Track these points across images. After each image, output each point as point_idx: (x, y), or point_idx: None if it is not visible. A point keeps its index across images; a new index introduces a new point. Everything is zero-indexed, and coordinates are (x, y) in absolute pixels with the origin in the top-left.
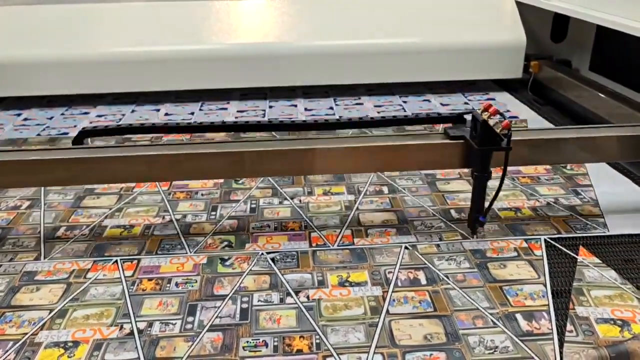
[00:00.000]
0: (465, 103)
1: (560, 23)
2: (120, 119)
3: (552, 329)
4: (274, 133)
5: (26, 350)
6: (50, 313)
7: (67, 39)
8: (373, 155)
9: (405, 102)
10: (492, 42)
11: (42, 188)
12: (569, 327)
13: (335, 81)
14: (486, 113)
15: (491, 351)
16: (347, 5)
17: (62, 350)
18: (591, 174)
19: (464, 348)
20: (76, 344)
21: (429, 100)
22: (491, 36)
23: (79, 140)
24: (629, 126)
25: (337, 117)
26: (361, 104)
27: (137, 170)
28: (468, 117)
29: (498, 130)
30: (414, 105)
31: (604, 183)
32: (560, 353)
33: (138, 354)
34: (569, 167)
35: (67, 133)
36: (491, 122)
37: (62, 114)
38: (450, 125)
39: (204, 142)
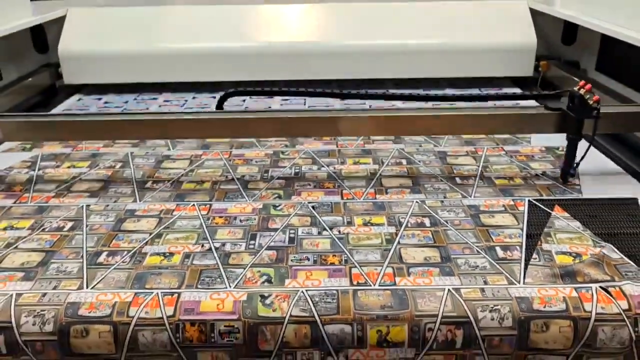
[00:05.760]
0: (479, 93)
1: (570, 28)
2: (183, 104)
3: (521, 257)
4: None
5: (137, 257)
6: (150, 235)
7: (139, 36)
8: (484, 121)
9: (426, 93)
10: (507, 44)
11: (130, 156)
12: (534, 256)
13: (368, 76)
14: (582, 90)
15: (473, 268)
16: (379, 12)
17: (162, 257)
18: (579, 155)
19: (453, 266)
20: (172, 254)
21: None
22: (506, 38)
23: (221, 102)
24: None
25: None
26: None
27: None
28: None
29: (590, 103)
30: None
31: (588, 162)
32: (524, 271)
33: (216, 261)
34: (560, 148)
35: None
36: (586, 96)
37: (135, 99)
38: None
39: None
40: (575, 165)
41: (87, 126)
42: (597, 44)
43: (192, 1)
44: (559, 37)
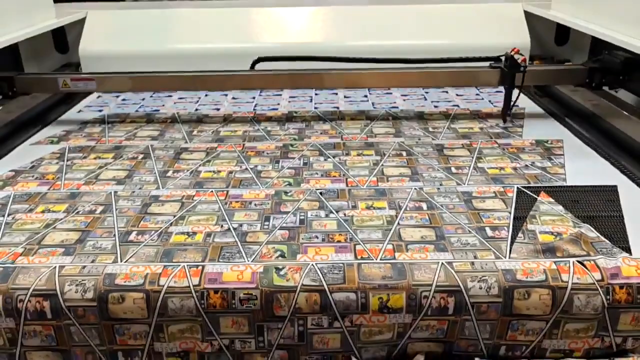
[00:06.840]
0: (477, 94)
1: (563, 30)
2: (197, 101)
3: (508, 235)
4: None
5: (163, 235)
6: (174, 217)
7: (155, 37)
8: (447, 76)
9: (427, 92)
10: (503, 45)
11: (151, 148)
12: (519, 234)
13: None
14: (512, 52)
15: (464, 245)
16: (379, 14)
17: (186, 236)
18: (565, 147)
19: (447, 243)
20: (195, 233)
21: (446, 92)
22: (502, 39)
23: (254, 65)
24: None
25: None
26: (390, 93)
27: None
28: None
29: (519, 62)
30: (434, 95)
31: (574, 154)
32: (510, 247)
33: (235, 239)
34: (549, 142)
35: (158, 110)
36: (516, 57)
37: (151, 96)
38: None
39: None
40: (510, 108)
41: (163, 80)
42: (588, 44)
43: (204, 4)
44: (552, 38)
